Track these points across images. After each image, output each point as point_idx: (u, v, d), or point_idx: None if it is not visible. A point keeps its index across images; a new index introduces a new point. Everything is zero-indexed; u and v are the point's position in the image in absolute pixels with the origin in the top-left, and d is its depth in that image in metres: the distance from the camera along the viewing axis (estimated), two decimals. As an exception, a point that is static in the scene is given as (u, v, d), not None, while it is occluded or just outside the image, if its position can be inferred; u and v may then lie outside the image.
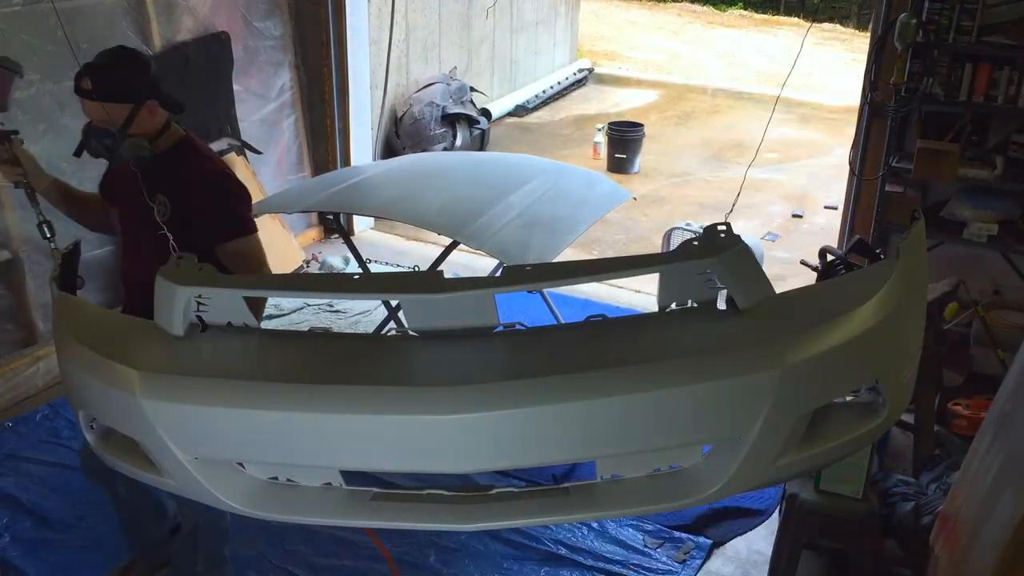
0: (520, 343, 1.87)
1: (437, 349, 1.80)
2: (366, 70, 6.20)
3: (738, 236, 1.77)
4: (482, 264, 5.39)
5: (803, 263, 4.30)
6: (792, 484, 3.07)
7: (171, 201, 2.49)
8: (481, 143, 7.97)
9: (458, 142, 7.65)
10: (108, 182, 2.90)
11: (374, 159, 6.62)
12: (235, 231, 2.62)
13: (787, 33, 13.47)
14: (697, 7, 15.17)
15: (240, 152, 5.47)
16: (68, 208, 2.93)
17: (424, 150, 7.22)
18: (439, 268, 3.74)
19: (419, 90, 7.63)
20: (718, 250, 1.73)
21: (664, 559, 3.39)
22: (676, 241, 5.04)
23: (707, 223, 1.85)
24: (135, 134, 2.56)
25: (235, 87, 5.39)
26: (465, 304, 1.77)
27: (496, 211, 3.61)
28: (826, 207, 7.04)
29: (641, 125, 8.00)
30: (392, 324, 4.14)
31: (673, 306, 1.90)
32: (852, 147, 4.81)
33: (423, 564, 3.34)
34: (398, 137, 7.43)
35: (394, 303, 4.16)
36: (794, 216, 6.94)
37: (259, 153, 5.60)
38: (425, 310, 1.82)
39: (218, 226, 2.60)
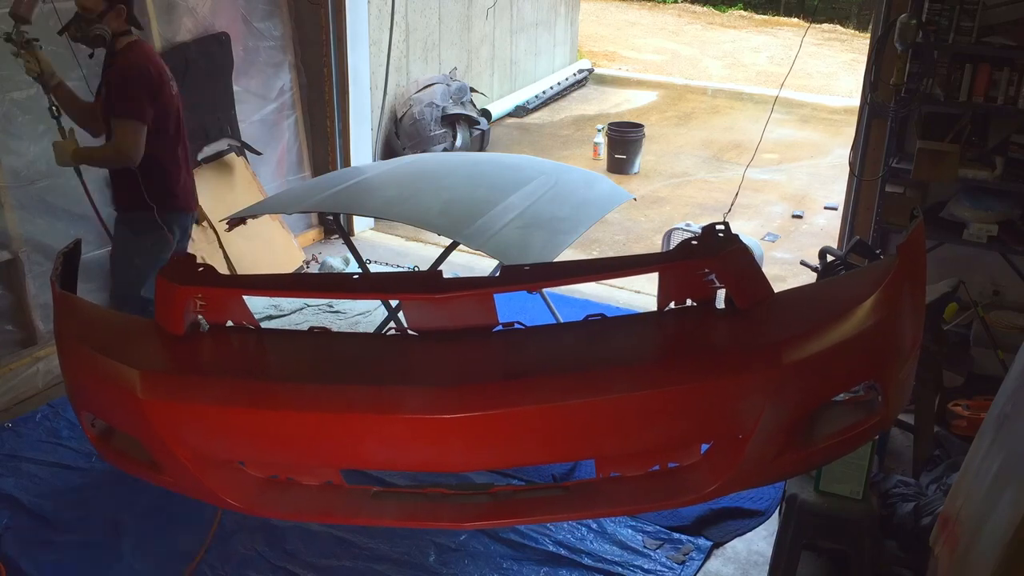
0: (519, 342, 1.87)
1: (437, 349, 1.80)
2: (366, 70, 6.21)
3: (736, 235, 1.78)
4: (482, 265, 5.40)
5: (803, 264, 4.30)
6: (792, 484, 3.07)
7: (108, 86, 3.48)
8: (481, 144, 7.98)
9: (458, 143, 7.65)
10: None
11: (374, 159, 6.62)
12: (125, 110, 3.42)
13: (787, 34, 13.48)
14: (697, 8, 15.17)
15: (240, 153, 5.48)
16: (69, 106, 3.69)
17: (424, 151, 7.22)
18: (439, 269, 3.74)
19: (419, 91, 7.64)
20: (717, 250, 1.73)
21: (663, 559, 3.38)
22: (676, 241, 5.04)
23: (707, 223, 1.85)
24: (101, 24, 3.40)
25: (235, 88, 5.39)
26: (464, 304, 1.78)
27: (496, 212, 3.61)
28: (826, 208, 7.04)
29: (641, 126, 8.00)
30: (392, 324, 4.14)
31: (672, 305, 1.90)
32: (852, 148, 4.81)
33: (423, 564, 3.34)
34: (398, 138, 7.43)
35: (394, 303, 4.16)
36: (794, 217, 6.94)
37: (259, 154, 5.61)
38: (425, 310, 1.82)
39: (116, 101, 3.45)
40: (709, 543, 3.49)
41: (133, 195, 3.61)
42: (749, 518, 3.63)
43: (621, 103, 10.15)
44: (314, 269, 5.71)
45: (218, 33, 5.21)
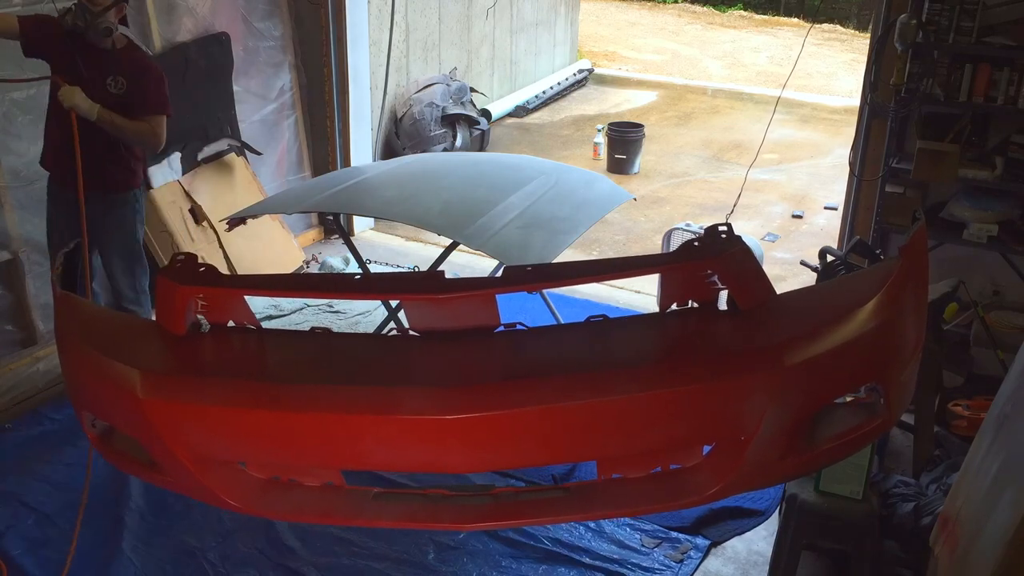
0: (521, 343, 1.87)
1: (438, 349, 1.80)
2: (366, 70, 6.21)
3: (739, 237, 1.78)
4: (482, 265, 5.40)
5: (803, 264, 4.30)
6: (792, 484, 3.07)
7: (128, 82, 3.70)
8: (481, 144, 7.97)
9: (458, 143, 7.65)
10: (55, 49, 3.69)
11: (374, 159, 6.62)
12: (161, 107, 3.80)
13: (787, 34, 13.48)
14: (697, 8, 15.17)
15: (240, 152, 5.47)
16: None
17: (424, 151, 7.22)
18: (439, 269, 3.74)
19: (419, 91, 7.63)
20: (719, 251, 1.73)
21: (661, 558, 3.39)
22: (676, 241, 5.04)
23: (707, 223, 1.86)
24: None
25: (235, 88, 5.39)
26: (466, 305, 1.78)
27: (496, 212, 3.61)
28: (826, 208, 7.04)
29: (641, 126, 7.99)
30: (392, 324, 4.14)
31: (674, 306, 1.90)
32: (852, 148, 4.81)
33: (422, 562, 3.34)
34: (398, 138, 7.43)
35: (394, 303, 4.16)
36: (794, 217, 6.94)
37: (259, 154, 5.60)
38: (427, 311, 1.82)
39: (155, 103, 3.78)
40: (707, 542, 3.49)
41: (126, 175, 3.92)
42: (749, 518, 3.64)
43: (621, 103, 10.15)
44: (314, 269, 5.71)
45: (218, 33, 5.21)
